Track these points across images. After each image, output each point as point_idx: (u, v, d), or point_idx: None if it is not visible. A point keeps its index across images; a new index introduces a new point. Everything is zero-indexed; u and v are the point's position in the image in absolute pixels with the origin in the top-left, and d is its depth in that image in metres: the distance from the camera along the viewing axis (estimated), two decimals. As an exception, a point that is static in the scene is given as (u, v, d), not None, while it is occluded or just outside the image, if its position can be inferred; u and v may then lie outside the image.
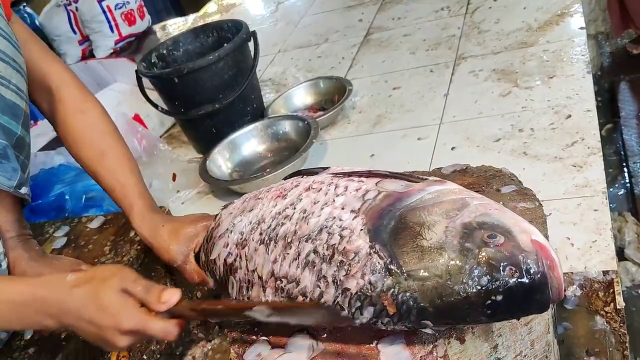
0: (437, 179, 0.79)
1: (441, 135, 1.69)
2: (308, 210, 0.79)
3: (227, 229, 0.92)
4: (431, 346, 0.73)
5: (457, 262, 0.65)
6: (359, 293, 0.68)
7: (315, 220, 0.77)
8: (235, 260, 0.87)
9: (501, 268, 0.63)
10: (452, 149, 1.61)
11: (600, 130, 1.50)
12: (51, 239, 1.33)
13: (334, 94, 2.05)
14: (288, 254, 0.78)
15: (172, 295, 0.80)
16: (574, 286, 1.14)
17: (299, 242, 0.77)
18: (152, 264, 1.25)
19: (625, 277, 1.37)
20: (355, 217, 0.74)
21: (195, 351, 1.42)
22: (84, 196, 1.66)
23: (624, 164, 1.71)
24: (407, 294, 0.66)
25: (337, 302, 0.71)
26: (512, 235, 0.65)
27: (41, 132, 2.40)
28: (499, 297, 0.63)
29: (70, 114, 1.16)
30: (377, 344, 0.76)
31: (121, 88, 2.35)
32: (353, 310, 0.69)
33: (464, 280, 0.64)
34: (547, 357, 0.84)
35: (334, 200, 0.78)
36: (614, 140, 1.81)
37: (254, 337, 0.84)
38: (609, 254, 1.15)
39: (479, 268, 0.64)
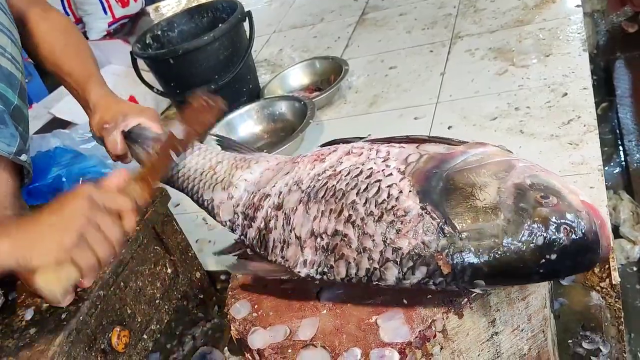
0: (478, 141, 0.79)
1: (438, 114, 1.69)
2: (351, 171, 0.79)
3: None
4: (430, 321, 0.74)
5: (514, 221, 0.66)
6: (411, 253, 0.69)
7: (360, 178, 0.77)
8: (270, 220, 0.85)
9: (557, 227, 0.64)
10: (449, 128, 1.61)
11: (596, 109, 1.51)
12: (49, 221, 1.32)
13: (330, 74, 2.04)
14: (330, 210, 0.77)
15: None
16: (570, 262, 1.14)
17: (343, 198, 0.76)
18: (151, 245, 1.25)
19: (620, 255, 1.37)
20: (402, 178, 0.74)
21: (195, 331, 1.43)
22: (81, 179, 1.66)
23: (619, 142, 1.71)
24: (463, 254, 0.67)
25: (386, 259, 0.71)
26: (562, 196, 0.67)
27: (36, 115, 2.40)
28: (554, 256, 0.65)
29: (35, 22, 1.19)
30: (376, 319, 0.77)
31: (116, 70, 2.33)
32: (404, 270, 0.70)
33: (521, 240, 0.65)
34: (543, 331, 0.85)
35: (375, 163, 0.78)
36: (609, 119, 1.81)
37: (254, 315, 0.85)
38: (605, 230, 1.16)
39: (536, 227, 0.65)
